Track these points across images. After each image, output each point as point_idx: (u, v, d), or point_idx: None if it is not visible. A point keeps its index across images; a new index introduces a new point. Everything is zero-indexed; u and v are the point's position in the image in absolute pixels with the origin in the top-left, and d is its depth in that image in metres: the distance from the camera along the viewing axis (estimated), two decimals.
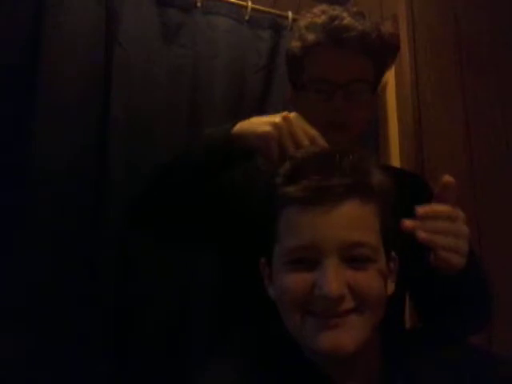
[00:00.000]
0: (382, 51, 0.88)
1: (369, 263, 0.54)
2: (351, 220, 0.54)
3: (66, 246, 1.03)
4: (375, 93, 0.91)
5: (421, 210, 0.57)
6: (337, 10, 0.85)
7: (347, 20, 0.83)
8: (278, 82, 1.37)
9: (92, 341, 1.01)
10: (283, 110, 1.28)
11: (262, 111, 1.34)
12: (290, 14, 1.40)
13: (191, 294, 1.12)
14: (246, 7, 1.32)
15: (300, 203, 0.55)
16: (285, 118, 0.70)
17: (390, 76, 1.55)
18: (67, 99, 1.08)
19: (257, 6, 1.34)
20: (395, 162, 1.48)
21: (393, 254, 0.61)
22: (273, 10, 1.41)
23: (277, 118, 0.70)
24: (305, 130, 0.69)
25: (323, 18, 0.84)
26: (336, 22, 0.83)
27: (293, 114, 0.71)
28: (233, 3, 1.32)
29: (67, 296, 1.01)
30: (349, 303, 0.53)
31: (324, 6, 0.87)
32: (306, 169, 0.56)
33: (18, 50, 1.07)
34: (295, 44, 0.89)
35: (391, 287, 0.60)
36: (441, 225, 0.58)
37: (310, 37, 0.85)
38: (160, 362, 1.04)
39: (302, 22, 0.89)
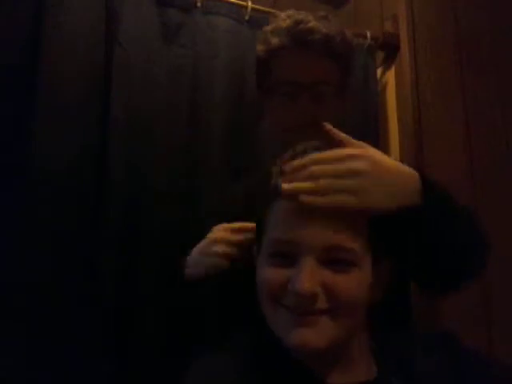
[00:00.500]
0: (346, 54, 0.91)
1: (351, 267, 0.54)
2: (337, 222, 0.54)
3: (65, 245, 1.03)
4: (342, 96, 0.92)
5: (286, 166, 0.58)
6: (302, 14, 0.88)
7: (312, 23, 0.85)
8: None
9: (92, 341, 1.01)
10: None
11: (262, 111, 1.34)
12: None
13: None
14: (246, 7, 1.32)
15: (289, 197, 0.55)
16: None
17: (390, 76, 1.55)
18: (67, 99, 1.08)
19: (257, 6, 1.34)
20: None
21: (385, 261, 0.59)
22: (273, 10, 1.41)
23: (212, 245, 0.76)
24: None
25: (288, 21, 0.87)
26: (301, 26, 0.85)
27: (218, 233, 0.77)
28: (233, 3, 1.32)
29: (67, 296, 1.01)
30: (322, 304, 0.53)
31: (290, 12, 0.90)
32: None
33: (18, 49, 1.07)
34: (260, 48, 0.92)
35: (379, 293, 0.59)
36: (314, 170, 0.56)
37: (275, 40, 0.88)
38: (160, 361, 1.04)
39: (268, 27, 0.91)
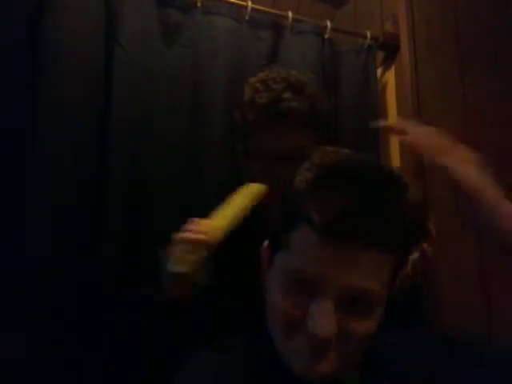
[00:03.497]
0: (321, 122, 1.00)
1: (372, 309, 0.52)
2: (366, 267, 0.50)
3: (65, 246, 1.03)
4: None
5: None
6: (276, 85, 0.96)
7: (285, 104, 0.94)
8: None
9: (92, 340, 1.01)
10: None
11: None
12: (290, 14, 1.40)
13: None
14: (246, 7, 1.32)
15: (319, 230, 0.49)
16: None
17: (390, 76, 1.55)
18: (67, 99, 1.08)
19: (257, 6, 1.34)
20: (395, 161, 1.48)
21: (401, 272, 0.57)
22: (273, 10, 1.41)
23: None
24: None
25: (264, 99, 0.95)
26: (275, 105, 0.94)
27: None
28: (233, 3, 1.32)
29: (67, 296, 1.01)
30: (335, 344, 0.51)
31: (265, 77, 1.00)
32: (337, 185, 0.50)
33: (18, 49, 1.07)
34: (237, 116, 1.02)
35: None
36: None
37: (250, 115, 0.97)
38: (160, 360, 1.04)
39: (248, 93, 1.00)
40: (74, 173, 1.06)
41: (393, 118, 1.51)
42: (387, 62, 1.55)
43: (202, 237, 0.77)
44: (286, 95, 0.94)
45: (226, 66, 1.27)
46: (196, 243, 0.76)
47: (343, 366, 0.53)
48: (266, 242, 0.61)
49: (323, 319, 0.49)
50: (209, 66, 1.25)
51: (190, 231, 0.78)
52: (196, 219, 0.80)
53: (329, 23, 1.44)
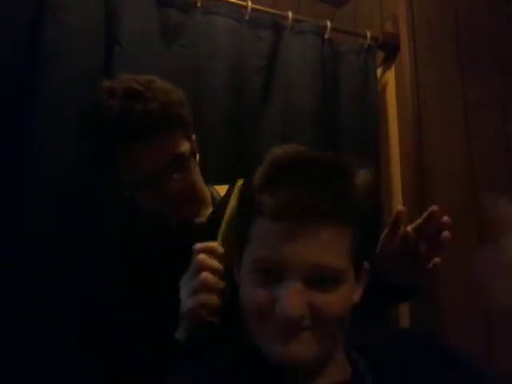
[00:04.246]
0: (172, 120, 0.83)
1: (338, 284, 0.54)
2: (322, 242, 0.53)
3: (65, 245, 1.03)
4: (195, 151, 0.90)
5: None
6: (122, 103, 0.78)
7: (132, 126, 0.78)
8: (278, 81, 1.37)
9: (92, 341, 1.01)
10: (283, 110, 1.30)
11: (262, 111, 1.34)
12: (289, 14, 1.40)
13: None
14: (246, 7, 1.32)
15: (272, 216, 0.53)
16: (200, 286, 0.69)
17: (390, 76, 1.55)
18: (67, 99, 1.08)
19: (257, 6, 1.34)
20: (395, 161, 1.48)
21: (365, 264, 0.61)
22: (273, 10, 1.41)
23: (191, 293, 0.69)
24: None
25: (107, 130, 0.78)
26: (122, 130, 0.78)
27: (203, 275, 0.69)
28: (233, 3, 1.32)
29: (67, 296, 1.01)
30: (306, 322, 0.53)
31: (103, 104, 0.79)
32: (284, 175, 0.55)
33: (18, 49, 1.07)
34: (98, 151, 0.85)
35: (358, 295, 0.60)
36: None
37: (107, 149, 0.81)
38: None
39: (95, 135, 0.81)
40: (74, 173, 1.06)
41: (393, 117, 1.51)
42: (387, 62, 1.56)
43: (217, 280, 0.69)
44: (131, 107, 0.78)
45: (226, 65, 1.27)
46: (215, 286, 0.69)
47: (321, 351, 0.54)
48: (234, 256, 0.64)
49: (290, 300, 0.51)
50: (209, 66, 1.26)
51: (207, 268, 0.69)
52: (210, 246, 0.71)
53: (329, 23, 1.44)
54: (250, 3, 1.32)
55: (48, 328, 0.98)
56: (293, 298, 0.51)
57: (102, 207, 1.09)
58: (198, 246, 0.71)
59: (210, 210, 0.96)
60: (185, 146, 0.85)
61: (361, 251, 0.57)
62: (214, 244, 0.72)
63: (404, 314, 1.34)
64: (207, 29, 1.27)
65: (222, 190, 1.01)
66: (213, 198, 0.98)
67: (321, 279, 0.53)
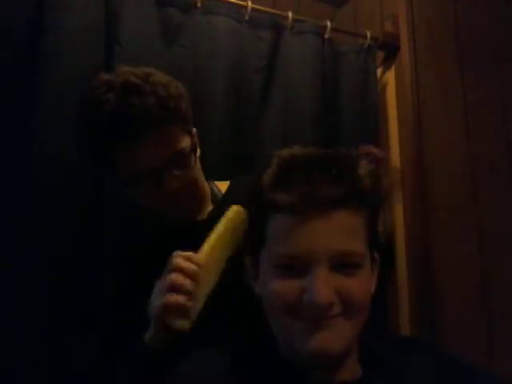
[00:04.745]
0: (171, 115, 0.80)
1: (357, 269, 0.56)
2: (340, 230, 0.55)
3: (65, 246, 1.03)
4: (195, 145, 0.87)
5: None
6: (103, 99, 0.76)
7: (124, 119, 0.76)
8: (278, 81, 1.37)
9: (92, 341, 1.01)
10: (283, 110, 1.30)
11: (262, 111, 1.34)
12: (289, 14, 1.40)
13: None
14: (246, 7, 1.32)
15: (289, 211, 0.55)
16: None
17: (390, 76, 1.55)
18: (67, 99, 1.08)
19: (257, 6, 1.34)
20: (395, 162, 1.48)
21: (375, 254, 0.62)
22: (273, 10, 1.41)
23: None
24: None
25: (105, 124, 0.76)
26: (119, 125, 0.76)
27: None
28: (233, 3, 1.32)
29: (66, 297, 1.01)
30: (336, 308, 0.54)
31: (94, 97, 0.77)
32: (295, 173, 0.56)
33: (18, 49, 1.07)
34: (94, 149, 0.84)
35: (373, 285, 0.62)
36: None
37: (105, 144, 0.79)
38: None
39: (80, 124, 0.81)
40: (74, 173, 1.06)
41: (393, 118, 1.51)
42: (387, 62, 1.55)
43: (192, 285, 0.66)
44: (128, 101, 0.75)
45: (226, 65, 1.27)
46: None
47: (350, 340, 0.55)
48: (247, 256, 0.64)
49: (318, 287, 0.52)
50: (209, 66, 1.25)
51: (182, 272, 0.67)
52: (186, 256, 0.69)
53: (329, 23, 1.44)
54: (249, 3, 1.32)
55: (48, 328, 0.98)
56: (320, 286, 0.52)
57: (102, 207, 1.09)
58: (177, 252, 0.69)
59: (210, 206, 0.95)
60: (185, 142, 0.84)
61: (374, 236, 0.60)
62: (193, 254, 0.69)
63: (404, 316, 1.34)
64: (207, 29, 1.27)
65: (222, 186, 1.00)
66: (213, 193, 0.97)
67: (343, 265, 0.55)
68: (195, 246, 0.73)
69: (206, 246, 0.72)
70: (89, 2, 1.13)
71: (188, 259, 0.68)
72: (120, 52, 1.15)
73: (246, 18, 1.33)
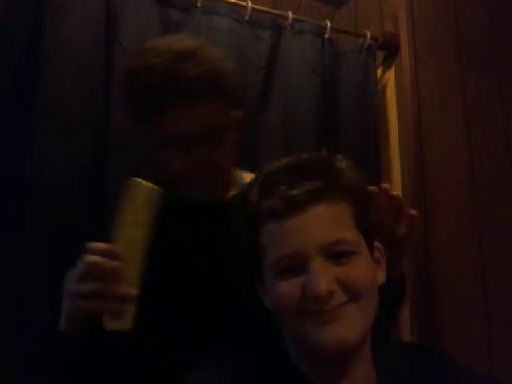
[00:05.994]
0: (224, 88, 0.82)
1: (352, 256, 0.57)
2: (325, 222, 0.57)
3: (65, 246, 1.03)
4: (237, 129, 0.88)
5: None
6: (161, 60, 0.76)
7: (175, 81, 0.77)
8: (278, 82, 1.37)
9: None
10: (283, 110, 1.29)
11: (262, 111, 1.34)
12: (290, 14, 1.40)
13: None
14: (246, 7, 1.32)
15: (276, 216, 0.57)
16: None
17: (390, 76, 1.55)
18: (67, 99, 1.08)
19: (257, 6, 1.34)
20: (395, 162, 1.48)
21: (376, 244, 0.64)
22: (273, 10, 1.41)
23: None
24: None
25: (160, 77, 0.76)
26: (162, 85, 0.76)
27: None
28: (233, 3, 1.32)
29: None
30: (341, 297, 0.55)
31: (150, 56, 0.78)
32: (277, 181, 0.58)
33: (18, 49, 1.07)
34: (132, 105, 0.84)
35: (382, 276, 0.63)
36: None
37: (147, 98, 0.79)
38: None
39: (139, 75, 0.79)
40: (74, 174, 1.06)
41: (393, 118, 1.51)
42: (387, 62, 1.55)
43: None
44: (176, 67, 0.76)
45: None
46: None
47: (363, 327, 0.55)
48: (258, 282, 0.64)
49: (315, 278, 0.54)
50: None
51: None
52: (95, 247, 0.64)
53: (329, 23, 1.44)
54: (249, 3, 1.32)
55: (48, 328, 0.98)
56: (317, 277, 0.54)
57: (102, 207, 1.09)
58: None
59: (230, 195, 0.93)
60: (221, 120, 0.83)
61: (365, 222, 0.61)
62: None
63: (404, 317, 1.34)
64: (207, 29, 1.27)
65: (248, 177, 0.99)
66: (237, 183, 0.96)
67: (337, 256, 0.56)
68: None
69: (114, 232, 0.67)
70: (89, 2, 1.13)
71: (97, 247, 0.64)
72: (120, 52, 1.15)
73: (246, 18, 1.33)
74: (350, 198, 0.59)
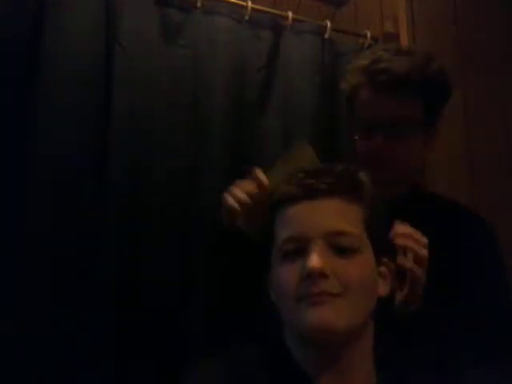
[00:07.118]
0: (426, 90, 0.87)
1: (354, 253, 0.58)
2: (335, 213, 0.60)
3: (65, 245, 1.03)
4: (427, 133, 0.91)
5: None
6: (381, 52, 0.90)
7: (384, 64, 0.86)
8: (278, 82, 1.36)
9: (90, 318, 1.01)
10: (283, 109, 1.31)
11: (262, 111, 1.34)
12: (290, 14, 1.40)
13: (192, 289, 1.12)
14: (246, 7, 1.32)
15: (290, 200, 0.61)
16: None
17: None
18: (67, 99, 1.08)
19: (257, 6, 1.34)
20: None
21: (384, 259, 0.64)
22: (273, 10, 1.41)
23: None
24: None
25: (365, 61, 0.90)
26: (373, 66, 0.87)
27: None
28: (233, 3, 1.32)
29: (66, 297, 1.01)
30: (333, 287, 0.56)
31: (376, 48, 0.96)
32: (301, 175, 0.63)
33: (18, 49, 1.07)
34: (343, 85, 0.97)
35: (384, 288, 0.63)
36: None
37: (352, 79, 0.92)
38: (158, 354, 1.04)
39: (351, 66, 0.96)
40: (74, 173, 1.06)
41: None
42: None
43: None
44: (387, 56, 0.88)
45: (225, 65, 1.27)
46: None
47: (352, 320, 0.56)
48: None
49: (313, 255, 0.56)
50: (209, 66, 1.25)
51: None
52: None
53: (329, 23, 1.44)
54: (249, 3, 1.32)
55: (48, 328, 0.98)
56: (314, 254, 0.56)
57: (102, 208, 1.09)
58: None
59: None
60: (411, 113, 0.87)
61: (374, 224, 0.62)
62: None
63: None
64: (207, 29, 1.27)
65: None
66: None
67: (338, 248, 0.58)
68: None
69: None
70: (89, 2, 1.13)
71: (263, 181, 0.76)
72: (120, 52, 1.15)
73: (246, 18, 1.33)
74: (363, 202, 0.62)
